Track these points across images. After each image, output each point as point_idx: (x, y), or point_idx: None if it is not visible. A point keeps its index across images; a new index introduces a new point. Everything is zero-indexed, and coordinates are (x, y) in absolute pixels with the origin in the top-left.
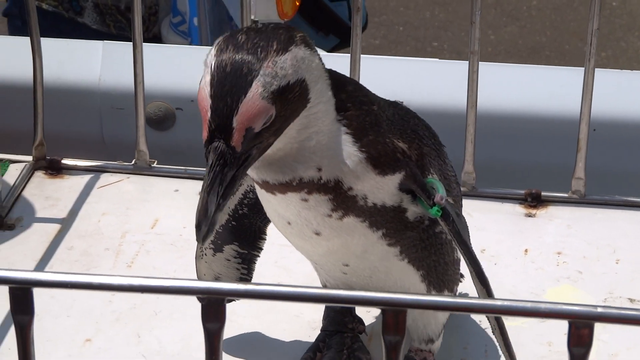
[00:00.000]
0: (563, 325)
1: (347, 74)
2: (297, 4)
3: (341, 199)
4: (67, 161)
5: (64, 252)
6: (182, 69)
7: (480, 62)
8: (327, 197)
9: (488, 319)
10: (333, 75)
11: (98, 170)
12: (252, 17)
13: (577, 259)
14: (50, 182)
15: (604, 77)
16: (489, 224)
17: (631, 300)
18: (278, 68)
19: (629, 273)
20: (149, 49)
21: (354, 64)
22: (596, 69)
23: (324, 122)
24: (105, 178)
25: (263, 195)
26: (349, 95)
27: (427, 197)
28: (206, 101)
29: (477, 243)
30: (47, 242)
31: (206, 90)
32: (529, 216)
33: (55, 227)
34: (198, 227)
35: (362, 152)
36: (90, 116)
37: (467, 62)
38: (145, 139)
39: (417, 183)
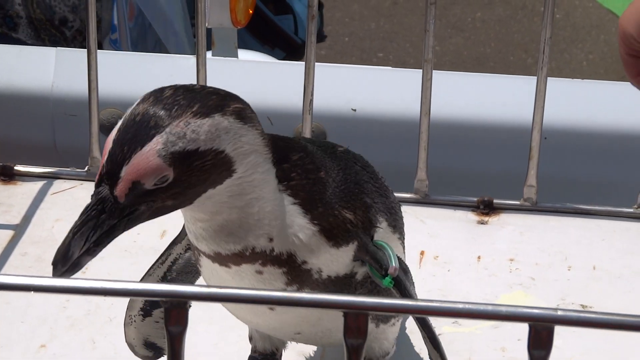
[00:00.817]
0: (516, 331)
1: (302, 82)
2: (250, 12)
3: (295, 272)
4: (20, 167)
5: (18, 258)
6: (136, 75)
7: (433, 71)
8: (282, 270)
9: (420, 329)
10: (278, 145)
11: (51, 177)
12: (207, 25)
13: (529, 266)
14: (3, 188)
15: (554, 86)
16: (442, 231)
17: (583, 306)
18: (189, 130)
19: (581, 280)
20: (102, 55)
21: (308, 71)
22: (548, 78)
23: (264, 190)
24: (58, 184)
25: (215, 272)
26: (293, 164)
27: (379, 267)
28: (108, 144)
29: (430, 250)
30: (1, 249)
31: (112, 134)
32: (482, 223)
33: (8, 234)
34: (54, 265)
35: (315, 225)
36: (43, 123)
37: (421, 70)
38: (99, 145)
39: (368, 253)
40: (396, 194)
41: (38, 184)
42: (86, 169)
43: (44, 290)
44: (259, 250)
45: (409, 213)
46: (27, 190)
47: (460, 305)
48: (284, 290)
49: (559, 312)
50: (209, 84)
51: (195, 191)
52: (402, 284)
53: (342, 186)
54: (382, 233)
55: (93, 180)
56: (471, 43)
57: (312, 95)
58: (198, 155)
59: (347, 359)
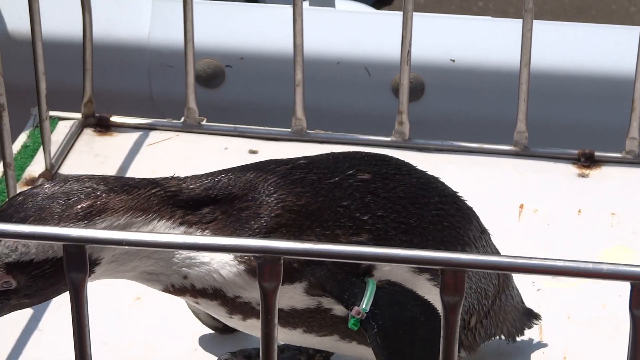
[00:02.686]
0: (618, 287)
1: (400, 32)
2: None
3: (232, 305)
4: (116, 118)
5: None
6: (232, 26)
7: (534, 20)
8: (216, 302)
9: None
10: (185, 193)
11: (147, 128)
12: None
13: (631, 220)
14: (100, 139)
15: None
16: (541, 184)
17: None
18: (20, 244)
19: None
20: (198, 5)
21: (406, 22)
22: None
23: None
24: (154, 135)
25: None
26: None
27: (346, 306)
28: None
29: (530, 203)
30: None
31: None
32: (582, 176)
33: None
34: None
35: (241, 264)
36: (140, 73)
37: (521, 20)
38: (195, 96)
39: (327, 290)
40: (494, 146)
41: (134, 135)
42: (182, 120)
43: (135, 245)
44: (178, 287)
45: (507, 165)
46: (123, 141)
47: (561, 263)
48: (230, 318)
49: None
50: (305, 34)
51: (51, 290)
52: (372, 329)
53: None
54: (399, 273)
55: (189, 132)
56: None
57: (409, 46)
58: (34, 265)
59: (444, 317)
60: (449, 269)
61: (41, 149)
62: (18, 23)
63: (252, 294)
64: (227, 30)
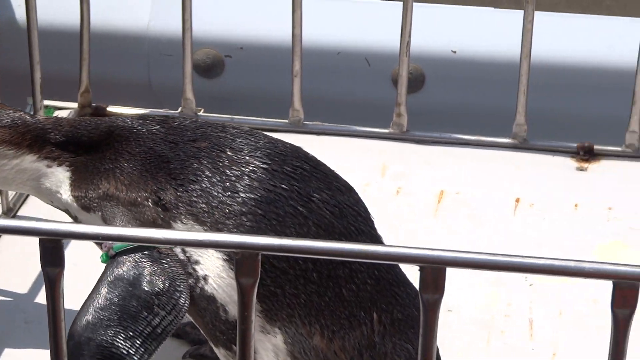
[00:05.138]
0: (608, 283)
1: (399, 22)
2: None
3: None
4: (112, 108)
5: None
6: (232, 16)
7: (536, 12)
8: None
9: None
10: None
11: None
12: None
13: (628, 215)
14: None
15: None
16: (539, 178)
17: None
18: None
19: None
20: None
21: (406, 12)
22: None
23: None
24: None
25: None
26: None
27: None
28: None
29: (526, 197)
30: None
31: None
32: (581, 170)
33: None
34: None
35: (73, 193)
36: (138, 62)
37: (522, 11)
38: (192, 86)
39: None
40: (492, 139)
41: None
42: (179, 110)
43: (111, 239)
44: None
45: (505, 159)
46: None
47: (542, 261)
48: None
49: None
50: (305, 25)
51: None
52: (109, 269)
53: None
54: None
55: None
56: None
57: (409, 36)
58: None
59: (422, 315)
60: (428, 267)
61: None
62: (15, 10)
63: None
64: (227, 20)
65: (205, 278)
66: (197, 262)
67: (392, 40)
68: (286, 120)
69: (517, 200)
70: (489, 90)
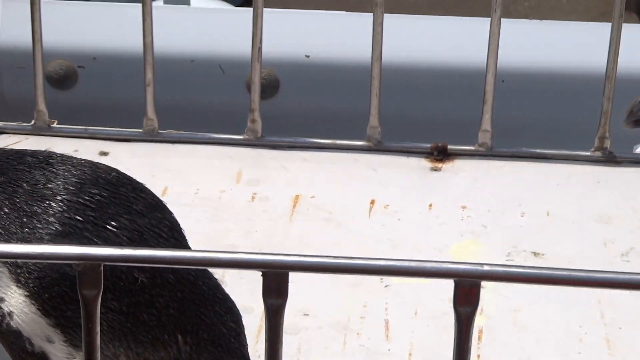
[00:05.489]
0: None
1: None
2: None
3: None
4: None
5: None
6: (84, 26)
7: (388, 15)
8: None
9: None
10: None
11: None
12: None
13: (482, 213)
14: None
15: (512, 27)
16: (393, 179)
17: (535, 253)
18: None
19: (534, 226)
20: (50, 6)
21: (256, 18)
22: (503, 19)
23: None
24: (3, 140)
25: None
26: None
27: None
28: None
29: (381, 198)
30: None
31: None
32: (435, 170)
33: None
34: None
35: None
36: None
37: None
38: (44, 98)
39: None
40: (347, 142)
41: None
42: (32, 122)
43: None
44: None
45: (360, 161)
46: None
47: (383, 262)
48: None
49: (486, 267)
50: (158, 33)
51: None
52: None
53: None
54: None
55: (39, 134)
56: None
57: (260, 42)
58: None
59: (267, 320)
60: (270, 272)
61: None
62: None
63: None
64: (79, 30)
65: (10, 314)
66: (2, 300)
67: (246, 46)
68: (140, 130)
69: (372, 202)
70: (343, 93)
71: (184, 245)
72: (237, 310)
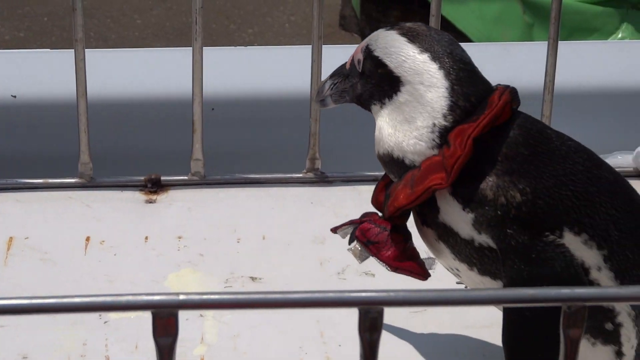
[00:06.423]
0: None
1: None
2: None
3: None
4: None
5: None
6: None
7: (91, 49)
8: None
9: None
10: None
11: None
12: None
13: (198, 242)
14: None
15: (216, 55)
16: (108, 214)
17: (252, 278)
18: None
19: (250, 251)
20: None
21: None
22: (206, 48)
23: None
24: None
25: None
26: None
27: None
28: None
29: (96, 235)
30: None
31: None
32: (150, 202)
33: None
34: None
35: None
36: None
37: (73, 50)
38: None
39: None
40: (59, 180)
41: None
42: None
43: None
44: None
45: (74, 199)
46: None
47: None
48: None
49: (181, 297)
50: None
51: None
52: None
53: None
54: None
55: None
56: (173, 13)
57: None
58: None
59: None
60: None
61: None
62: None
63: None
64: None
65: None
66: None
67: None
68: None
69: (88, 239)
70: (50, 133)
71: None
72: None
